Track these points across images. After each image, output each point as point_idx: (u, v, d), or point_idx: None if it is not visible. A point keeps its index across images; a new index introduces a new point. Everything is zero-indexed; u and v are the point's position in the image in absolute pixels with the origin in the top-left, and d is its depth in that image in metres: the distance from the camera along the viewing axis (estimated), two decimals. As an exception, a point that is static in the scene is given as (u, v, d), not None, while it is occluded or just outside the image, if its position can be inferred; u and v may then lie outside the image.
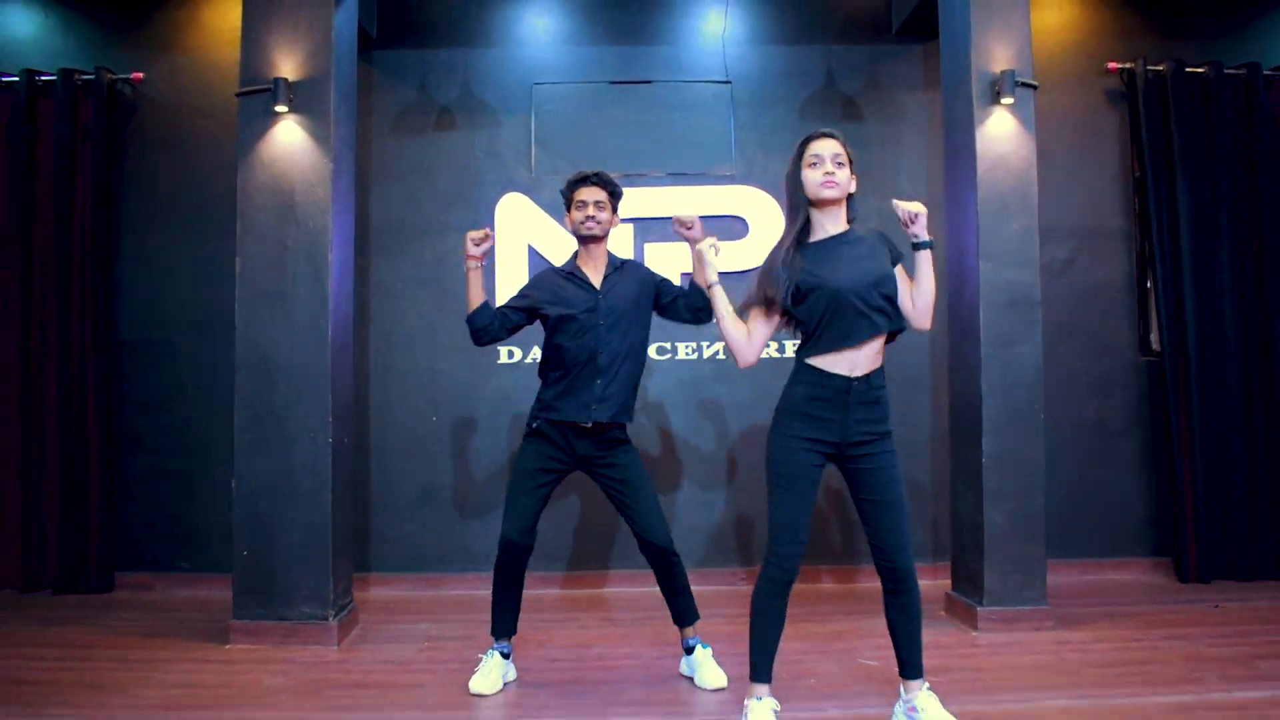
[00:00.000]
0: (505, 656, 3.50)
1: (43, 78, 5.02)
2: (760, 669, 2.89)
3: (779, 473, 2.85)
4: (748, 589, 4.85)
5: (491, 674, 3.42)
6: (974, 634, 4.05)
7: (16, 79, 4.99)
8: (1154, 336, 5.16)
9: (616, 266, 3.57)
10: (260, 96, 4.07)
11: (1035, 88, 4.24)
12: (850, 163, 2.89)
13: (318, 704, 3.27)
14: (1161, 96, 5.12)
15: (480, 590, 4.87)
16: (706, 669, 3.44)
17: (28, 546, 4.94)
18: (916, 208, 2.85)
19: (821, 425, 2.81)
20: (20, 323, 4.96)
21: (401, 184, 5.16)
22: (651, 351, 5.07)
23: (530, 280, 3.68)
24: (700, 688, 3.41)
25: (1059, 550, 4.93)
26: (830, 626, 4.19)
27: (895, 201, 2.90)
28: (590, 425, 3.42)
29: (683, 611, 3.55)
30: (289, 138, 4.08)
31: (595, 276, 3.53)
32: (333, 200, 4.06)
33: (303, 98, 4.08)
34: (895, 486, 2.86)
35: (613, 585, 5.03)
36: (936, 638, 3.97)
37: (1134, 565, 5.11)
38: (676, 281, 4.95)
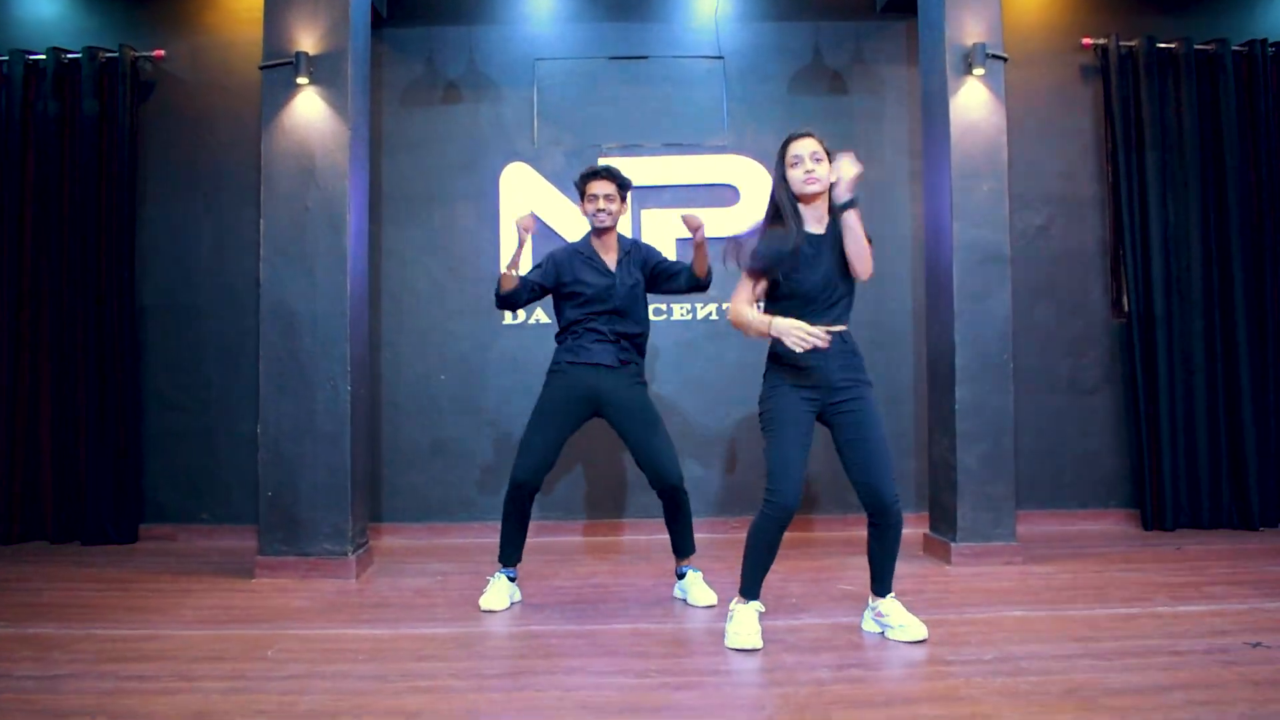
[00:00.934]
0: (511, 580, 3.90)
1: (68, 55, 5.36)
2: (750, 590, 3.27)
3: (773, 418, 3.20)
4: (739, 535, 5.26)
5: (499, 593, 3.82)
6: (948, 567, 4.43)
7: (43, 57, 5.33)
8: (1125, 299, 5.51)
9: (627, 250, 4.00)
10: (282, 69, 4.44)
11: (1005, 59, 4.61)
12: (829, 156, 3.23)
13: (343, 619, 3.65)
14: (1133, 71, 5.46)
15: (486, 539, 5.26)
16: (697, 589, 3.85)
17: (58, 500, 5.30)
18: (844, 171, 3.13)
19: (806, 373, 3.18)
20: (50, 289, 5.31)
21: (410, 154, 5.53)
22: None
23: (551, 256, 4.03)
24: (692, 605, 3.80)
25: (1032, 501, 5.33)
26: (816, 562, 4.58)
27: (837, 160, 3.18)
28: (616, 364, 3.85)
29: (682, 543, 3.96)
30: (309, 108, 4.45)
31: (610, 259, 3.96)
32: (350, 165, 4.44)
33: (322, 70, 4.44)
34: (877, 428, 3.23)
35: (609, 534, 5.40)
36: (913, 570, 4.36)
37: (1104, 515, 5.48)
38: (674, 255, 5.39)
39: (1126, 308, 5.49)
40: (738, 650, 3.14)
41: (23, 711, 2.61)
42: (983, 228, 4.53)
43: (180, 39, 5.49)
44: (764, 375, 3.31)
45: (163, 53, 5.43)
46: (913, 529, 5.21)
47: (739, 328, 3.23)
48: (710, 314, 5.47)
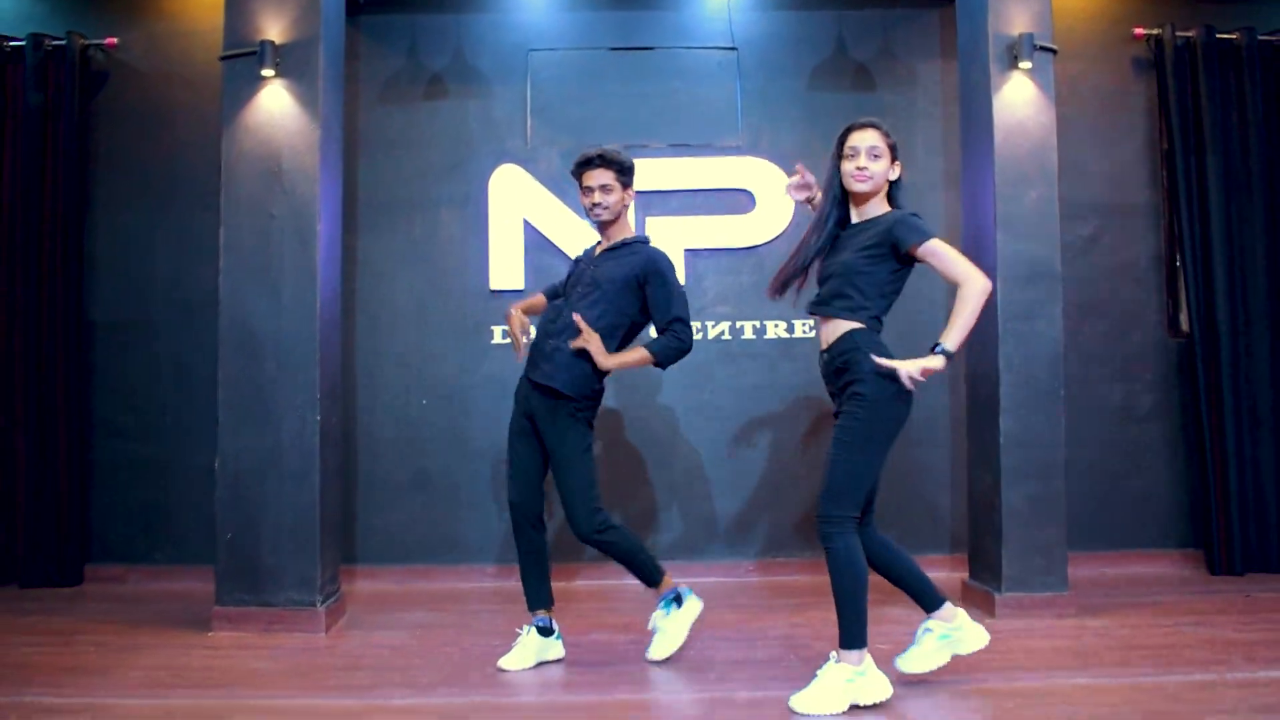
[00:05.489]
0: (543, 633, 3.65)
1: (11, 43, 5.18)
2: (859, 640, 3.12)
3: (892, 433, 3.18)
4: (755, 580, 5.09)
5: (524, 651, 3.60)
6: (991, 621, 4.21)
7: (-17, 45, 5.17)
8: (1183, 316, 5.32)
9: (622, 244, 3.75)
10: (245, 60, 4.25)
11: (1054, 52, 4.43)
12: (892, 151, 3.20)
13: (308, 685, 3.43)
14: (1191, 64, 5.28)
15: (473, 583, 5.12)
16: (656, 641, 3.69)
17: (-6, 538, 5.11)
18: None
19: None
20: (-14, 303, 5.13)
21: (390, 156, 5.34)
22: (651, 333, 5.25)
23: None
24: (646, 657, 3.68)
25: (1081, 542, 5.08)
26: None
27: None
28: (536, 382, 3.63)
29: (640, 579, 3.75)
30: (275, 103, 4.26)
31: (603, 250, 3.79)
32: (321, 168, 4.24)
33: (289, 61, 4.25)
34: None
35: (605, 578, 5.18)
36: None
37: (1161, 558, 5.27)
38: (681, 265, 5.19)
39: (1185, 326, 5.31)
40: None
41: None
42: (1030, 240, 4.33)
43: (135, 26, 5.31)
44: (886, 380, 3.09)
45: (115, 41, 5.27)
46: (948, 573, 5.02)
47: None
48: (722, 333, 5.27)
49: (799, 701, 3.06)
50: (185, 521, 5.18)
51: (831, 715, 3.03)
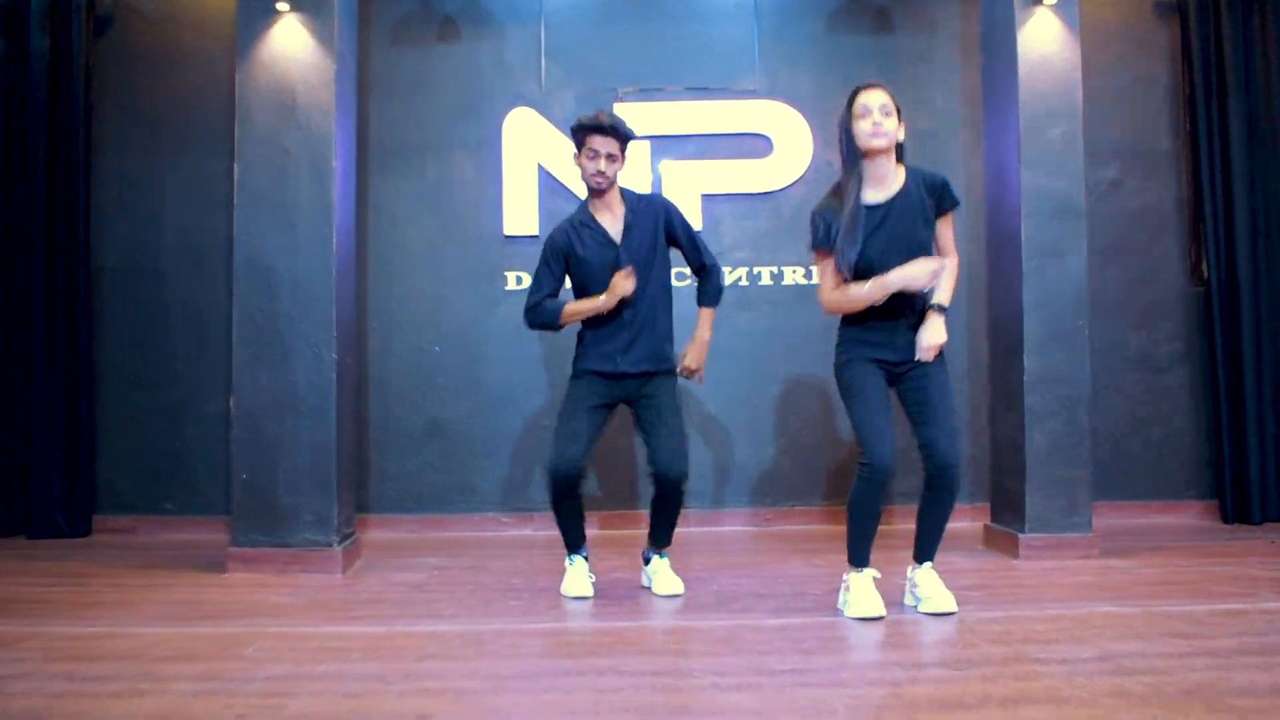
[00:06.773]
0: (585, 559, 3.80)
1: (16, -13, 5.18)
2: (859, 558, 3.33)
3: (848, 386, 3.42)
4: (773, 529, 5.12)
5: (579, 578, 3.73)
6: (1015, 561, 4.24)
7: (-13, -12, 5.16)
8: (1205, 264, 5.32)
9: (633, 208, 3.76)
10: (260, -7, 4.25)
11: (1079, -14, 4.43)
12: (898, 111, 3.29)
13: (331, 616, 3.46)
14: (1214, 9, 5.30)
15: (487, 531, 5.17)
16: (662, 577, 3.77)
17: (1, 488, 5.14)
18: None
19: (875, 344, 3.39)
20: (-7, 250, 5.14)
21: (402, 99, 5.34)
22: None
23: (545, 247, 3.82)
24: (656, 594, 3.74)
25: (1098, 492, 5.08)
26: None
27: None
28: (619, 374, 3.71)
29: (659, 537, 3.84)
30: (290, 37, 4.25)
31: (613, 226, 3.75)
32: (336, 104, 4.24)
33: (304, -6, 4.25)
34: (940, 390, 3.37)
35: (626, 527, 5.20)
36: (975, 564, 4.21)
37: (1181, 508, 5.31)
38: (699, 213, 5.20)
39: (1206, 274, 5.32)
40: (861, 619, 3.22)
41: (-39, 714, 2.41)
42: (1055, 177, 4.34)
43: (142, -32, 5.29)
44: (836, 343, 3.45)
45: (122, -16, 5.23)
46: (969, 522, 5.05)
47: (844, 311, 3.38)
48: (739, 279, 5.28)
49: None
50: (196, 471, 5.22)
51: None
